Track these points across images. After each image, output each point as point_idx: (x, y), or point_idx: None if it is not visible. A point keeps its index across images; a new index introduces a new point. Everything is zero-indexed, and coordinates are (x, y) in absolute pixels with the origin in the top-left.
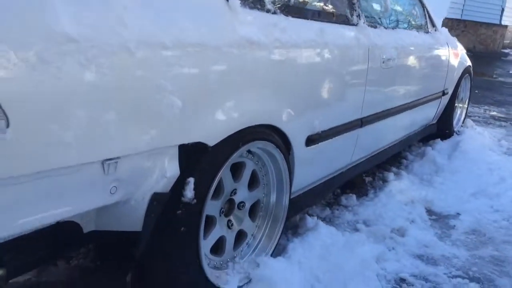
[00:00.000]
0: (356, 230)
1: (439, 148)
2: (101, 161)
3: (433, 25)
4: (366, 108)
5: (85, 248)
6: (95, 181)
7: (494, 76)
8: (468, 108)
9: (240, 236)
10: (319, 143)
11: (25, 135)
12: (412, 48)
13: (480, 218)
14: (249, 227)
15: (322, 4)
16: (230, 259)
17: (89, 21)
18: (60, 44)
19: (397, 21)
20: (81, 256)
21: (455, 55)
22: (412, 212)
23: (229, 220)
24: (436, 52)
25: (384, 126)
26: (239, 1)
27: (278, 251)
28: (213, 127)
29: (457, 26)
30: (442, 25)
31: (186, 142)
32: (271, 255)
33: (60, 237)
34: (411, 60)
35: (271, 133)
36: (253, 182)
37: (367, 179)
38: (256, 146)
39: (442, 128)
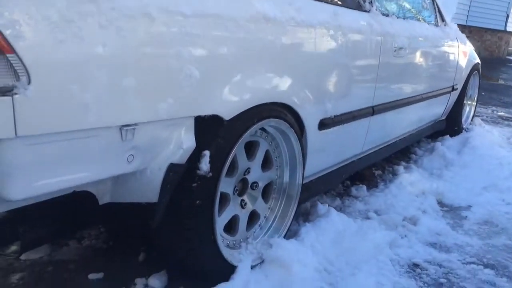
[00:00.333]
0: (368, 218)
1: (448, 144)
2: (119, 127)
3: (443, 19)
4: (378, 96)
5: (97, 229)
6: (113, 147)
7: (500, 80)
8: (476, 109)
9: (253, 217)
10: (332, 128)
11: (46, 94)
12: (423, 40)
13: (492, 210)
14: (262, 208)
15: None
16: (243, 240)
17: None
18: (81, 3)
19: (408, 11)
20: (93, 237)
21: (464, 50)
22: (424, 202)
23: (242, 200)
24: (446, 46)
25: (394, 116)
26: None
27: (291, 235)
28: (229, 101)
29: (462, 32)
30: None
31: (202, 114)
32: (284, 237)
33: (76, 209)
34: (422, 52)
35: (285, 112)
36: (266, 164)
37: (377, 172)
38: (271, 124)
39: (451, 124)
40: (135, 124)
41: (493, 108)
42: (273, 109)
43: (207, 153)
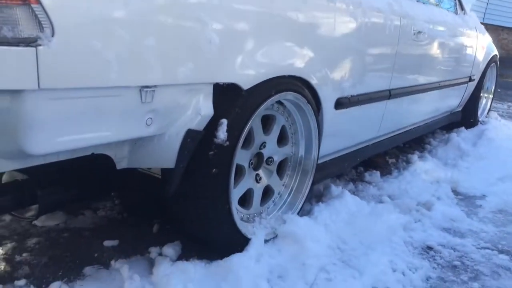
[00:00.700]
0: (381, 202)
1: (464, 135)
2: (139, 88)
3: (462, 7)
4: (395, 79)
5: (111, 201)
6: (133, 108)
7: None
8: (492, 103)
9: (267, 193)
10: (348, 108)
11: (69, 48)
12: (442, 26)
13: (507, 200)
14: (276, 184)
15: None
16: (257, 214)
17: None
18: None
19: None
20: (108, 208)
21: (483, 41)
22: (438, 190)
23: (257, 174)
24: (465, 35)
25: (411, 103)
26: None
27: (304, 214)
28: (247, 70)
29: None
30: None
31: (221, 81)
32: (298, 214)
33: (93, 175)
34: (441, 38)
35: (303, 87)
36: (282, 140)
37: (391, 160)
38: (288, 97)
39: (467, 116)
40: (155, 86)
41: (509, 103)
42: (291, 82)
43: (224, 121)
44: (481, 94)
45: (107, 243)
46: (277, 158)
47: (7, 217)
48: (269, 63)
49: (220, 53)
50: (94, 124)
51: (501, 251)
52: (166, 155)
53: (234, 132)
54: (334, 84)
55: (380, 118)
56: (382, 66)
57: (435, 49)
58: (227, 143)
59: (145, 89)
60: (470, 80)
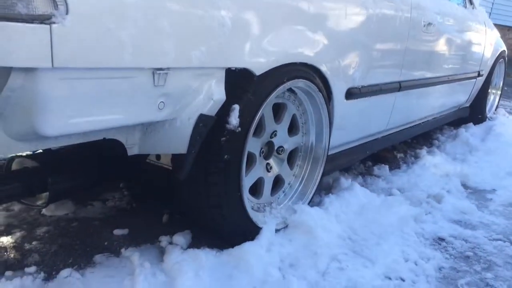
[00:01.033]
0: (391, 194)
1: (472, 131)
2: (152, 70)
3: (471, 2)
4: (405, 71)
5: (120, 192)
6: (145, 91)
7: None
8: (500, 100)
9: (277, 183)
10: (359, 99)
11: (83, 27)
12: (451, 19)
13: None
14: (286, 174)
15: None
16: (267, 204)
17: None
18: None
19: None
20: (117, 199)
21: (491, 36)
22: (448, 183)
23: (268, 163)
24: (474, 29)
25: (420, 96)
26: None
27: (314, 205)
28: (260, 56)
29: None
30: None
31: (233, 66)
32: (308, 205)
33: (103, 163)
34: (450, 31)
35: (314, 75)
36: (292, 129)
37: (399, 155)
38: (299, 85)
39: (475, 112)
40: (168, 69)
41: None
42: (303, 70)
43: (236, 107)
44: (490, 90)
45: (117, 232)
46: (287, 147)
47: (16, 207)
48: (281, 50)
49: (233, 38)
50: (106, 107)
51: None
52: (177, 141)
53: (246, 118)
54: (345, 73)
55: (390, 111)
56: (392, 57)
57: (444, 42)
58: (239, 129)
59: (158, 72)
60: (479, 75)
